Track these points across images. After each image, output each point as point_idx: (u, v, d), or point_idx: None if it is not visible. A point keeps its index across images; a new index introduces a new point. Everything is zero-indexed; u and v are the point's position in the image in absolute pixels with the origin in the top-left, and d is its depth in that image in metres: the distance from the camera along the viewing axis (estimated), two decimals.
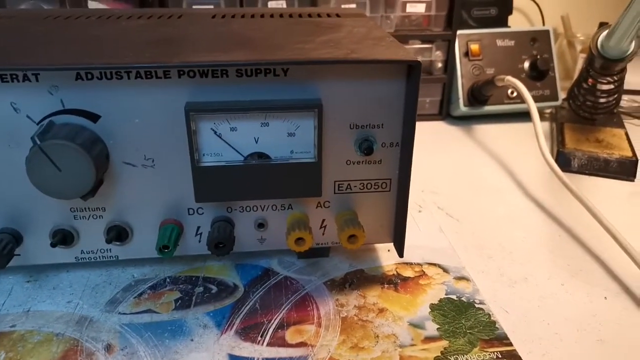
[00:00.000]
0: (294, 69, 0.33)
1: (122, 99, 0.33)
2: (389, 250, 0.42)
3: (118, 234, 0.36)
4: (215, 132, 0.34)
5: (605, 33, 0.58)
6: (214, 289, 0.38)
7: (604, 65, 0.60)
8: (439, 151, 0.63)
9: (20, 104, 0.32)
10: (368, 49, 0.35)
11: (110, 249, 0.37)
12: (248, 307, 0.36)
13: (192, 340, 0.33)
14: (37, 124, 0.33)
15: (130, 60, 0.32)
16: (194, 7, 0.64)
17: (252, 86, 0.33)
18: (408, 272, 0.40)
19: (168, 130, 0.34)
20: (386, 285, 0.38)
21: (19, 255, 0.36)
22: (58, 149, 0.31)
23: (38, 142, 0.31)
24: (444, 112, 0.74)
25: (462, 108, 0.70)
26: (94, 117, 0.33)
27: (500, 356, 0.32)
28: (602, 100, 0.65)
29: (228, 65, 0.32)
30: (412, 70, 0.33)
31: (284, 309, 0.36)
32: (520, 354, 0.32)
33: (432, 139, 0.67)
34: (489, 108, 0.71)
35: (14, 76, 0.32)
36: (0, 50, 0.35)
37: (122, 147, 0.34)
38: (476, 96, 0.70)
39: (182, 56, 0.33)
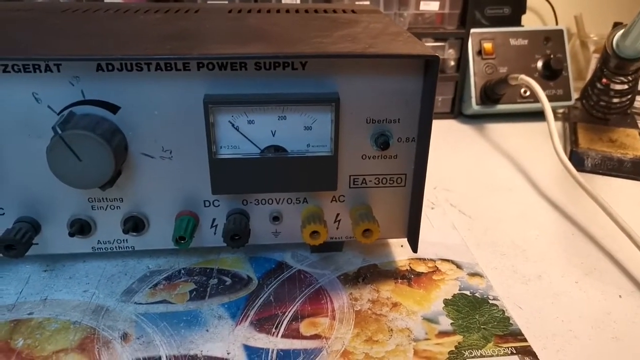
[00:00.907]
0: (312, 62, 0.33)
1: (142, 90, 0.33)
2: (402, 246, 0.42)
3: (135, 224, 0.36)
4: (232, 125, 0.34)
5: (620, 32, 0.57)
6: (228, 281, 0.38)
7: (618, 64, 0.60)
8: (451, 149, 0.63)
9: (41, 94, 0.33)
10: (386, 43, 0.35)
11: (126, 240, 0.38)
12: (262, 299, 0.36)
13: (207, 330, 0.33)
14: (58, 114, 0.33)
15: (150, 52, 0.32)
16: (209, 2, 0.64)
17: (270, 79, 0.33)
18: (421, 268, 0.40)
19: (186, 122, 0.34)
20: (400, 280, 0.38)
21: (37, 244, 0.37)
22: (79, 139, 0.31)
23: (59, 132, 0.31)
24: (456, 111, 0.73)
25: (475, 106, 0.70)
26: (113, 108, 0.33)
27: (514, 351, 0.32)
28: (615, 100, 0.64)
29: (247, 58, 0.33)
30: (430, 65, 0.33)
31: (297, 301, 0.36)
32: (535, 349, 0.32)
33: (444, 137, 0.67)
34: (501, 107, 0.71)
35: (36, 66, 0.32)
36: (21, 41, 0.35)
37: (140, 138, 0.34)
38: (489, 95, 0.70)
39: (201, 49, 0.33)
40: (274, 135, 0.34)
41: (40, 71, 0.32)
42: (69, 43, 0.35)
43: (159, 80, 0.33)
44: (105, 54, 0.32)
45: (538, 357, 0.32)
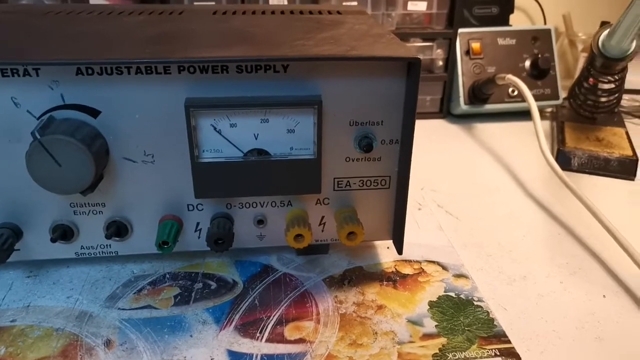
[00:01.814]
0: (293, 65, 0.33)
1: (122, 94, 0.33)
2: (388, 248, 0.42)
3: (117, 229, 0.36)
4: (215, 128, 0.34)
5: (606, 32, 0.58)
6: (213, 285, 0.38)
7: (605, 64, 0.60)
8: (439, 149, 0.63)
9: (20, 99, 0.32)
10: (368, 46, 0.35)
11: (110, 245, 0.37)
12: (247, 303, 0.36)
13: (191, 336, 0.33)
14: (37, 119, 0.33)
15: (130, 55, 0.32)
16: (195, 3, 0.64)
17: (252, 82, 0.33)
18: (407, 270, 0.40)
19: (168, 126, 0.34)
20: (385, 283, 0.38)
21: (19, 250, 0.36)
22: (58, 144, 0.31)
23: (38, 137, 0.31)
24: (445, 110, 0.74)
25: (463, 106, 0.70)
26: (94, 113, 0.33)
27: (498, 353, 0.32)
28: (602, 99, 0.65)
29: (228, 61, 0.32)
30: (412, 68, 0.33)
31: (282, 305, 0.36)
32: (519, 351, 0.32)
33: (432, 137, 0.67)
34: (489, 106, 0.71)
35: (15, 71, 0.32)
36: (1, 44, 0.35)
37: (122, 142, 0.34)
38: (477, 94, 0.70)
39: (183, 52, 0.33)
40: (256, 139, 0.34)
41: (19, 75, 0.32)
42: (49, 46, 0.35)
43: (139, 84, 0.32)
44: (85, 57, 0.31)
45: (522, 359, 0.32)
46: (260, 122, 0.34)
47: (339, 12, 0.49)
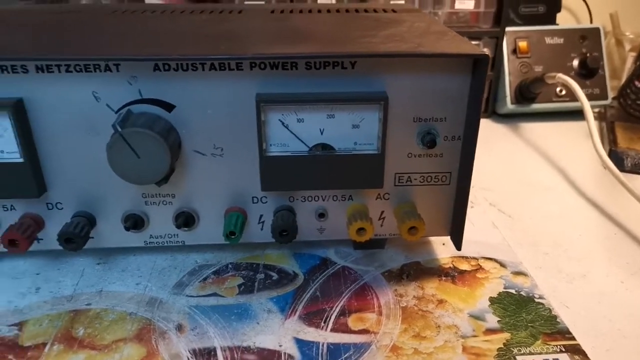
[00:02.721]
0: (361, 62, 0.34)
1: (196, 89, 0.34)
2: (443, 244, 0.43)
3: (186, 220, 0.38)
4: (282, 123, 0.35)
5: None
6: (275, 276, 0.39)
7: None
8: (487, 148, 0.63)
9: (101, 93, 0.34)
10: (433, 42, 0.36)
11: (177, 234, 0.39)
12: (309, 294, 0.37)
13: (258, 323, 0.34)
14: (116, 113, 0.34)
15: (206, 52, 0.33)
16: (245, 2, 0.66)
17: (320, 79, 0.34)
18: (464, 266, 0.40)
19: (238, 121, 0.35)
20: (444, 278, 0.39)
21: (93, 237, 0.38)
22: (138, 137, 0.32)
23: (119, 130, 0.32)
24: (490, 110, 0.73)
25: (509, 105, 0.70)
26: (169, 107, 0.34)
27: (563, 349, 0.32)
28: None
29: (299, 57, 0.33)
30: (479, 64, 0.34)
31: (344, 297, 0.37)
32: (584, 348, 0.32)
33: (479, 137, 0.66)
34: (536, 106, 0.70)
35: (97, 66, 0.33)
36: (79, 42, 0.37)
37: (193, 136, 0.35)
38: (524, 94, 0.69)
39: (253, 49, 0.34)
40: (322, 134, 0.35)
41: (100, 71, 0.33)
42: (126, 43, 0.36)
43: (213, 80, 0.34)
44: (162, 54, 0.33)
45: (588, 355, 0.32)
46: (326, 117, 0.35)
47: (394, 11, 0.50)
